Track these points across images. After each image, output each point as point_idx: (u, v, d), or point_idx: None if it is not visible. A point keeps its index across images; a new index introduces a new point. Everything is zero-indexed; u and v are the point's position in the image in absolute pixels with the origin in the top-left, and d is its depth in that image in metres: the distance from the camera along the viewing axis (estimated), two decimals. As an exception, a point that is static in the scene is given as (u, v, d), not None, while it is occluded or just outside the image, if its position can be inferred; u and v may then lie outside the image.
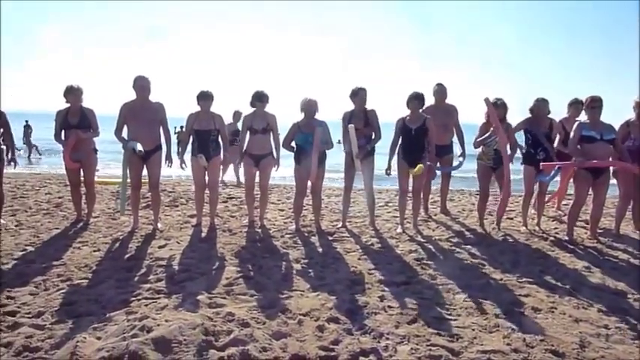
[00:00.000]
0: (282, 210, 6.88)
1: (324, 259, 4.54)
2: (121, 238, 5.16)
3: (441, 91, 6.27)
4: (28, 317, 3.13)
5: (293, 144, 5.61)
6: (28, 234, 5.19)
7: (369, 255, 4.69)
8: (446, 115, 6.19)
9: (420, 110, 5.48)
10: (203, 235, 5.38)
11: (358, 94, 5.51)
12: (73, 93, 5.40)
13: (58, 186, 8.54)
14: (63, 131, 5.50)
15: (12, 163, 5.63)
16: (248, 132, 5.65)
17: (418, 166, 5.30)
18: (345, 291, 3.65)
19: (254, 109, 5.58)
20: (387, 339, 2.85)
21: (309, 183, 5.59)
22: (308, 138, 5.34)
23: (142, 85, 5.27)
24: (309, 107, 5.44)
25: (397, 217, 6.06)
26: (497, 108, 5.49)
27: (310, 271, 4.19)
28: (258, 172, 5.78)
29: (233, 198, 7.80)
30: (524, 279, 4.02)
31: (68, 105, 5.47)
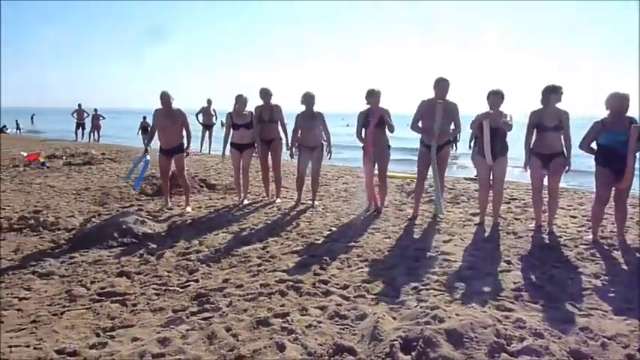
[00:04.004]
0: (575, 217, 6.21)
1: (632, 279, 3.92)
2: (407, 228, 5.53)
3: None
4: (337, 288, 3.68)
5: (593, 145, 5.00)
6: (332, 217, 6.07)
7: (698, 283, 3.83)
8: None
9: None
10: (486, 234, 5.30)
11: None
12: (373, 95, 6.02)
13: (351, 177, 9.69)
14: (363, 129, 6.20)
15: (329, 156, 6.78)
16: (535, 129, 5.30)
17: None
18: (664, 322, 3.08)
19: (543, 105, 5.21)
20: None
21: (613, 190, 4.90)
22: (618, 137, 4.67)
23: (442, 85, 5.57)
24: (619, 102, 4.74)
25: None
26: None
27: (613, 289, 3.68)
28: (546, 173, 5.37)
29: (516, 199, 7.42)
30: None
31: (368, 106, 6.12)
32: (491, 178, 5.57)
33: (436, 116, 5.53)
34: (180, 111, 6.56)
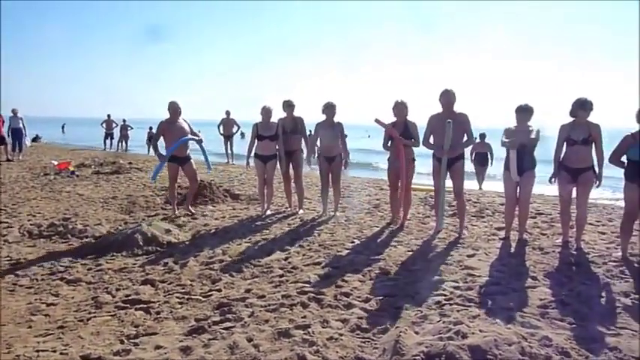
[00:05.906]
0: (603, 233, 6.04)
1: (664, 298, 3.79)
2: (430, 242, 5.47)
3: None
4: (359, 300, 3.67)
5: (624, 159, 4.88)
6: (355, 229, 6.05)
7: None
8: None
9: None
10: (512, 249, 5.21)
11: None
12: (397, 107, 6.04)
13: (375, 189, 9.65)
14: (389, 142, 6.20)
15: (345, 166, 6.82)
16: (565, 143, 5.21)
17: None
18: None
19: (573, 118, 5.11)
20: None
21: None
22: None
23: (447, 97, 5.57)
24: None
25: None
26: None
27: (644, 309, 3.57)
28: (575, 188, 5.26)
29: (543, 214, 7.28)
30: None
31: (395, 119, 6.13)
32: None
33: (445, 135, 5.44)
34: (185, 120, 6.98)
